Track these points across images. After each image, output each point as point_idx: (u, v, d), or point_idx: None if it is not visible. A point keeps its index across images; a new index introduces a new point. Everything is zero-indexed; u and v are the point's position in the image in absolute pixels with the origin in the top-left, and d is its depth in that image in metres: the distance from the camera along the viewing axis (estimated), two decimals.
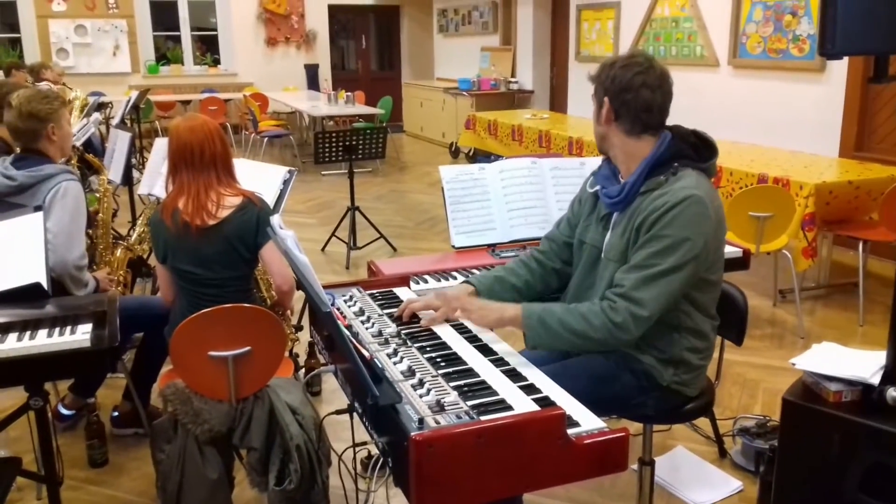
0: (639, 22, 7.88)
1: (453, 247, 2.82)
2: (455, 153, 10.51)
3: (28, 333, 2.07)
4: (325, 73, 13.23)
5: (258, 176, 3.22)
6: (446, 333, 1.93)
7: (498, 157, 7.05)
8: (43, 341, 2.04)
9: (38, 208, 2.43)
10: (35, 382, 2.10)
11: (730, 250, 2.95)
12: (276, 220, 1.73)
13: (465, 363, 1.74)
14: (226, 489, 2.42)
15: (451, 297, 2.02)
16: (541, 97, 10.36)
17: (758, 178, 4.67)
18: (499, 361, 1.79)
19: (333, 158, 5.80)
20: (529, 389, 1.65)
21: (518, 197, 2.87)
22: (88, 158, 3.61)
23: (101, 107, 8.93)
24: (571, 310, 1.90)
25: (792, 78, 6.16)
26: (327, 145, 5.71)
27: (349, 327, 1.85)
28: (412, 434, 1.37)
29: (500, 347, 1.87)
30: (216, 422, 2.32)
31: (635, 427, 2.37)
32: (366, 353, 1.63)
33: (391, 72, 14.10)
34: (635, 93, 1.91)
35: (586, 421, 1.55)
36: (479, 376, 1.67)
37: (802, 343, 4.08)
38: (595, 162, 2.55)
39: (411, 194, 8.22)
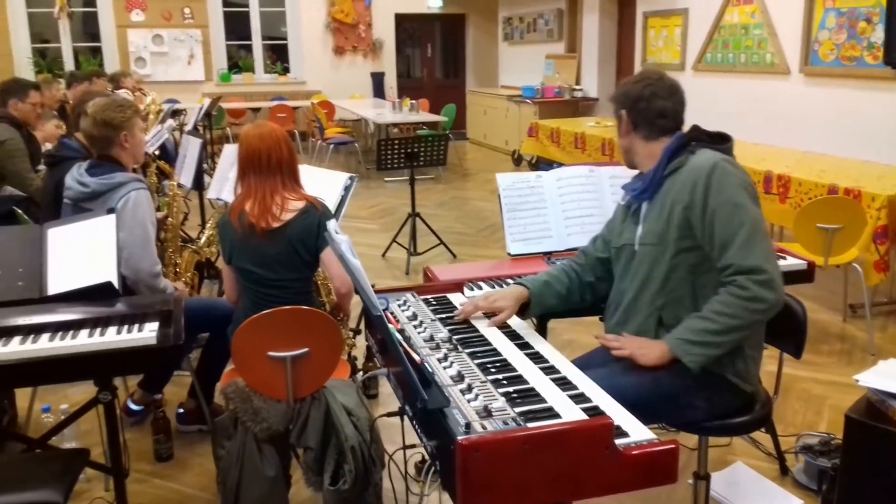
0: (707, 29, 7.73)
1: (509, 254, 2.83)
2: (517, 161, 10.50)
3: (98, 330, 2.17)
4: (390, 82, 13.40)
5: (321, 182, 3.29)
6: (497, 340, 1.95)
7: (560, 166, 7.04)
8: (112, 338, 2.13)
9: (110, 210, 2.54)
10: (104, 377, 2.19)
11: (793, 262, 2.88)
12: (332, 225, 1.77)
13: (514, 370, 1.75)
14: (283, 487, 2.48)
15: (508, 298, 2.10)
16: (605, 105, 10.26)
17: (828, 188, 4.53)
18: (550, 369, 1.79)
19: (396, 165, 5.87)
20: (579, 398, 1.64)
21: (575, 205, 2.87)
22: (160, 165, 3.75)
23: (175, 114, 9.24)
24: (705, 315, 1.96)
25: (866, 86, 5.95)
26: (390, 152, 5.79)
27: (402, 331, 1.88)
28: (459, 438, 1.39)
29: (552, 355, 1.88)
30: (274, 421, 2.38)
31: (693, 441, 2.34)
32: (416, 357, 1.65)
33: (455, 80, 14.18)
34: (647, 102, 2.10)
35: (635, 432, 1.54)
36: (527, 383, 1.68)
37: (872, 360, 3.93)
38: None
39: (473, 201, 8.25)
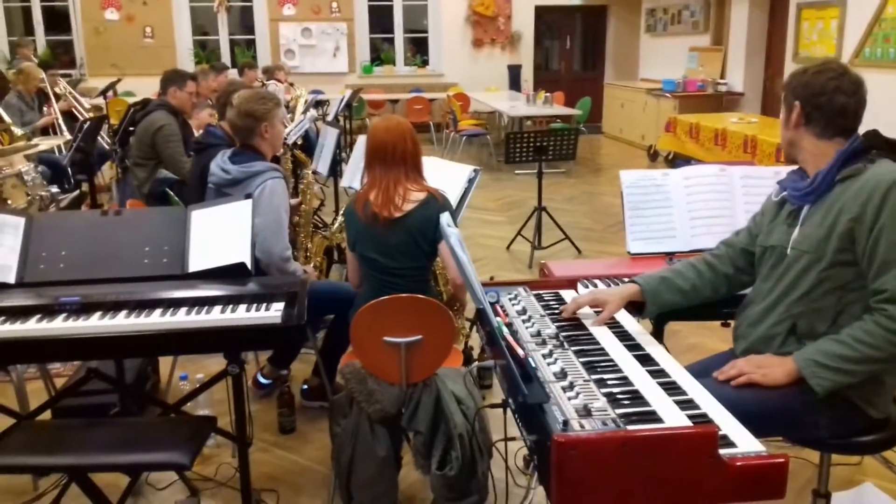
0: (866, 22, 7.18)
1: (629, 253, 2.77)
2: (653, 157, 10.20)
3: (230, 307, 2.32)
4: (527, 74, 13.35)
5: (446, 174, 3.35)
6: (606, 339, 1.92)
7: (699, 163, 6.78)
8: (241, 315, 2.27)
9: (247, 196, 2.70)
10: (232, 351, 2.34)
11: None
12: (445, 218, 1.81)
13: (620, 370, 1.73)
14: (393, 467, 2.56)
15: (615, 295, 2.05)
16: (751, 100, 9.78)
17: None
18: (658, 373, 1.75)
19: (524, 159, 5.86)
20: (686, 404, 1.60)
21: (703, 205, 2.77)
22: (296, 155, 3.94)
23: (318, 104, 9.65)
24: (843, 340, 1.85)
25: None
26: (518, 146, 5.79)
27: (509, 325, 1.90)
28: (555, 435, 1.39)
29: (663, 359, 1.83)
30: (387, 403, 2.46)
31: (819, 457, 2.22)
32: (520, 352, 1.67)
33: (593, 72, 13.93)
34: (829, 97, 1.91)
35: (744, 442, 1.48)
36: (632, 385, 1.66)
37: None
38: None
39: (603, 196, 8.10)
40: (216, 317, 2.26)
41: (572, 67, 14.16)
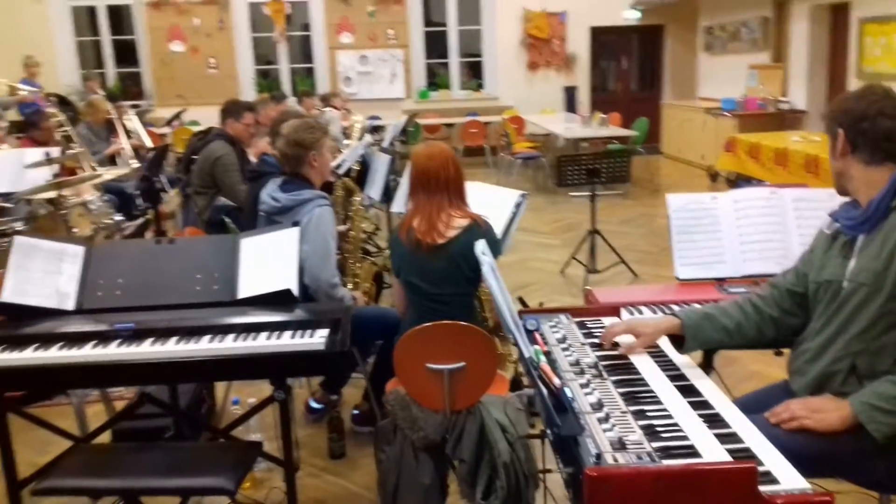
0: None
1: (677, 279, 2.72)
2: (713, 177, 9.99)
3: (276, 334, 2.36)
4: (583, 95, 13.30)
5: (492, 199, 3.35)
6: (647, 368, 1.89)
7: (760, 184, 6.58)
8: (286, 341, 2.31)
9: (295, 223, 2.76)
10: (278, 377, 2.38)
11: None
12: (479, 245, 1.81)
13: (659, 402, 1.69)
14: (437, 495, 2.55)
15: (651, 327, 1.99)
16: (814, 118, 9.51)
17: None
18: (701, 405, 1.71)
19: (577, 182, 5.83)
20: (728, 438, 1.56)
21: (753, 229, 2.70)
22: (344, 182, 4.01)
23: (374, 130, 9.80)
24: None
25: None
26: (570, 169, 5.76)
27: (548, 353, 1.88)
28: (587, 468, 1.37)
29: (708, 390, 1.79)
30: (431, 430, 2.45)
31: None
32: (556, 382, 1.65)
33: (651, 92, 13.78)
34: (872, 121, 1.83)
35: (788, 479, 1.43)
36: (671, 417, 1.62)
37: None
38: None
39: (660, 219, 7.96)
40: (262, 343, 2.31)
41: (629, 88, 14.05)
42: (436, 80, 13.57)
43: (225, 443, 2.69)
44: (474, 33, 13.38)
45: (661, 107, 12.76)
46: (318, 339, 2.32)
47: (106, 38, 12.58)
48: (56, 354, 2.28)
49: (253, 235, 2.78)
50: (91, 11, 12.45)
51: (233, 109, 5.31)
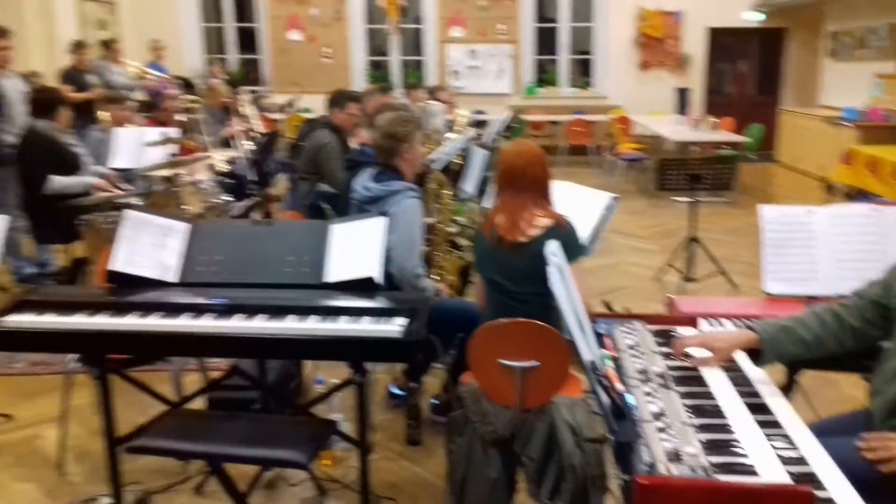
0: None
1: (765, 293, 2.64)
2: (830, 189, 9.50)
3: (355, 318, 2.45)
4: (696, 98, 12.89)
5: (580, 200, 3.33)
6: (717, 383, 1.85)
7: (879, 199, 6.23)
8: (364, 326, 2.39)
9: (382, 213, 2.84)
10: (354, 360, 2.47)
11: None
12: (552, 245, 1.82)
13: (723, 416, 1.66)
14: (504, 490, 2.58)
15: (726, 341, 1.94)
16: None
17: None
18: (770, 423, 1.67)
19: (677, 187, 5.69)
20: (792, 460, 1.52)
21: (850, 247, 2.58)
22: (433, 177, 4.07)
23: (479, 124, 9.85)
24: None
25: None
26: (672, 173, 5.63)
27: (616, 359, 1.88)
28: (638, 476, 1.37)
29: (779, 409, 1.74)
30: (500, 426, 2.49)
31: None
32: (619, 388, 1.65)
33: (769, 97, 13.21)
34: None
35: None
36: (733, 433, 1.59)
37: None
38: None
39: None
40: (340, 326, 2.40)
41: (746, 92, 13.51)
42: (544, 76, 13.48)
43: (303, 418, 2.81)
44: (586, 30, 13.20)
45: (778, 113, 12.21)
46: (395, 326, 2.38)
47: (230, 24, 13.17)
48: (153, 322, 2.45)
49: (343, 222, 2.88)
50: None
51: (338, 99, 5.48)
